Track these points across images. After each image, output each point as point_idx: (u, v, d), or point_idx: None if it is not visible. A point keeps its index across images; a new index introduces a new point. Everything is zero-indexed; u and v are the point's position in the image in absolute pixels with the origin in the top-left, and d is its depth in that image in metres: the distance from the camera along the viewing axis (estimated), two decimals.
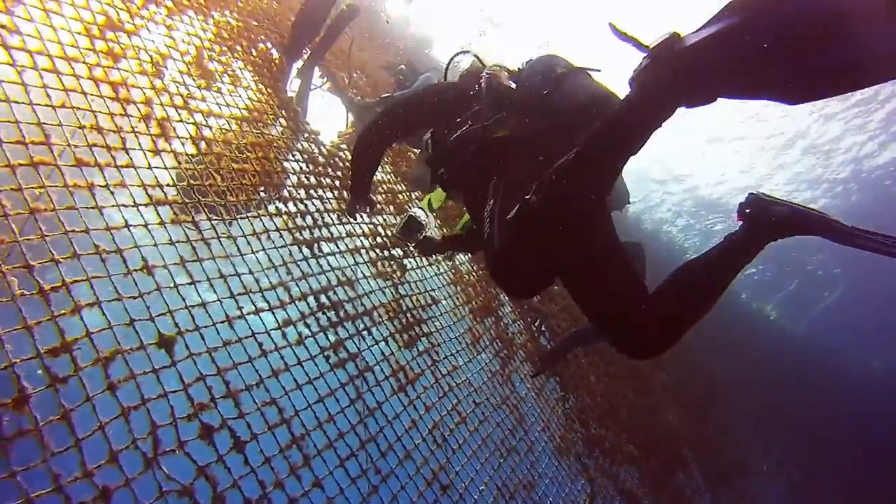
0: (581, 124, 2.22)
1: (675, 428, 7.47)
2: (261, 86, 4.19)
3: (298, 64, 4.93)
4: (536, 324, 5.65)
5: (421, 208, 3.32)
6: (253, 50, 4.36)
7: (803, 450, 13.08)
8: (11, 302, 2.07)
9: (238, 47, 4.24)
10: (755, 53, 1.68)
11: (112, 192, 2.63)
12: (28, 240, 2.26)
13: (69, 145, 2.55)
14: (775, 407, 12.64)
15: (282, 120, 4.22)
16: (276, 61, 4.51)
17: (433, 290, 4.60)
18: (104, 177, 2.63)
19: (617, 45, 1.92)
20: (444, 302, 4.64)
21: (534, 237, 2.19)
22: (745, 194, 2.40)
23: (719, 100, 1.86)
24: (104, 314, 2.34)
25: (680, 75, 1.80)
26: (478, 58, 3.10)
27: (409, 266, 4.51)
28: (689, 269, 2.33)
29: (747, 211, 2.33)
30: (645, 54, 1.87)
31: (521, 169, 2.40)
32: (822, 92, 1.80)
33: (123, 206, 2.67)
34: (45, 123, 2.50)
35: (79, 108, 2.69)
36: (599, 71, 2.60)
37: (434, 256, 4.76)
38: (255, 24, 4.61)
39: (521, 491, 4.27)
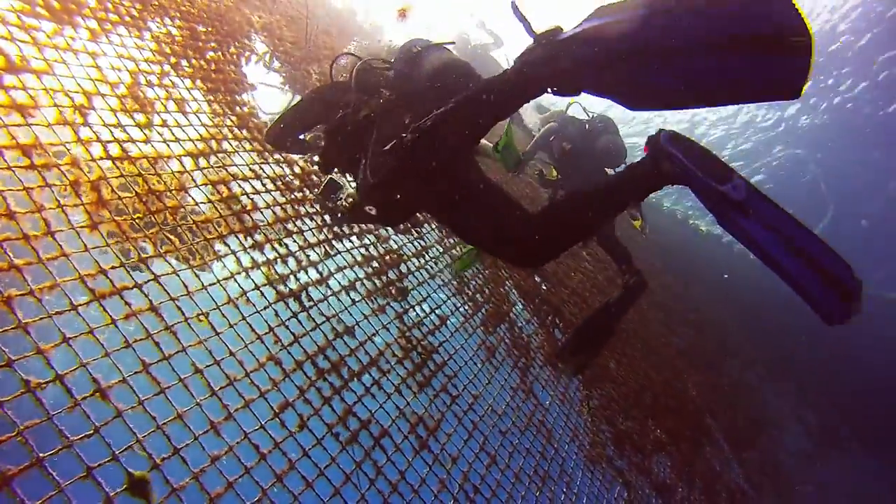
0: (438, 88, 2.65)
1: (696, 397, 7.08)
2: (215, 105, 3.50)
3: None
4: (550, 318, 5.11)
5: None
6: (201, 61, 3.64)
7: (817, 391, 12.84)
8: None
9: (184, 61, 3.52)
10: (596, 59, 2.02)
11: (39, 300, 2.00)
12: None
13: None
14: (782, 350, 12.34)
15: (244, 143, 3.53)
16: (231, 73, 3.79)
17: (439, 306, 4.03)
18: (26, 281, 1.99)
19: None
20: (452, 318, 4.07)
21: (405, 168, 2.47)
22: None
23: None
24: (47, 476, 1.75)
25: (547, 63, 2.13)
26: (353, 55, 3.34)
27: (409, 286, 3.92)
28: (573, 198, 2.53)
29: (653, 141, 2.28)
30: (532, 38, 2.21)
31: (385, 132, 2.62)
32: (648, 105, 2.19)
33: (57, 313, 2.03)
34: None
35: None
36: (453, 43, 3.05)
37: (428, 269, 4.21)
38: (203, 29, 3.88)
39: None
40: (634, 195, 2.43)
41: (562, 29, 2.16)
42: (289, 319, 2.85)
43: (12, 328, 1.89)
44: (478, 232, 2.72)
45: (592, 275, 6.54)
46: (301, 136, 3.48)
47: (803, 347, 11.95)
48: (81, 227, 2.26)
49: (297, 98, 3.72)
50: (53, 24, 2.83)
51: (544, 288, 5.40)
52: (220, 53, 3.85)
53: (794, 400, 12.14)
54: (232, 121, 3.53)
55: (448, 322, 4.00)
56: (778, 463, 9.52)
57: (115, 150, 2.60)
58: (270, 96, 3.87)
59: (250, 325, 2.63)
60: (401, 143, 2.42)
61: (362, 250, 3.75)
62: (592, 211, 2.45)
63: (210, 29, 3.95)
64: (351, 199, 3.08)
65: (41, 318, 1.98)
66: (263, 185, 3.36)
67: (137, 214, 2.48)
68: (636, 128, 22.28)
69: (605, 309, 4.05)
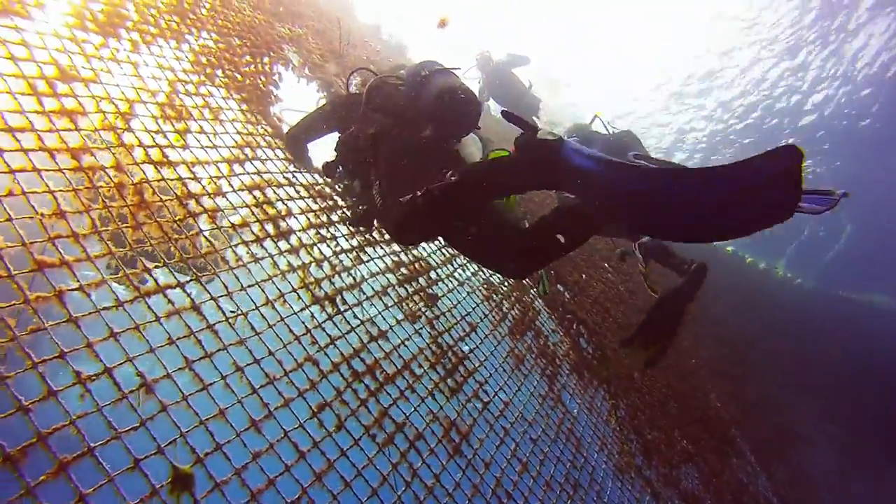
0: (437, 115, 2.84)
1: (721, 408, 6.98)
2: (249, 115, 3.54)
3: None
4: (574, 327, 5.07)
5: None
6: (236, 73, 3.69)
7: (844, 405, 12.56)
8: None
9: (218, 72, 3.57)
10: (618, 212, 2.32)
11: (88, 295, 2.01)
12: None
13: (24, 245, 1.92)
14: (808, 365, 12.11)
15: (278, 151, 3.56)
16: (262, 84, 3.84)
17: (468, 313, 4.01)
18: (75, 277, 2.01)
19: None
20: (481, 325, 4.04)
21: (418, 218, 2.70)
22: None
23: None
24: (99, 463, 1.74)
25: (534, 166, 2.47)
26: (371, 71, 3.42)
27: (439, 293, 3.91)
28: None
29: None
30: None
31: (389, 158, 2.92)
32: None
33: (104, 309, 2.05)
34: None
35: (32, 192, 2.05)
36: (459, 69, 3.22)
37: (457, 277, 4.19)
38: (238, 41, 3.93)
39: None
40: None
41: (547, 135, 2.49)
42: (324, 322, 2.85)
43: (64, 321, 1.90)
44: (474, 251, 3.00)
45: (613, 285, 6.50)
46: (309, 145, 3.71)
47: (829, 362, 11.72)
48: (126, 227, 2.28)
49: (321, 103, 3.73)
50: (100, 37, 2.89)
51: (567, 297, 5.36)
52: (254, 66, 3.89)
53: (820, 414, 11.90)
54: (266, 129, 3.56)
55: (477, 329, 3.98)
56: (806, 477, 9.32)
57: (155, 154, 2.62)
58: (300, 108, 3.89)
59: (288, 326, 2.63)
60: (413, 201, 2.62)
61: (392, 257, 3.74)
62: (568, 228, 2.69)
63: (244, 41, 4.00)
64: (363, 210, 3.30)
65: (89, 313, 1.99)
66: (297, 191, 3.38)
67: (178, 216, 2.50)
68: (649, 142, 22.32)
69: (674, 294, 3.87)
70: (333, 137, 3.43)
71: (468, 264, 4.44)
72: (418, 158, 2.88)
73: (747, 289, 12.69)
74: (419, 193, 2.59)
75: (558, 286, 5.34)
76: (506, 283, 4.72)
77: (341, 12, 7.85)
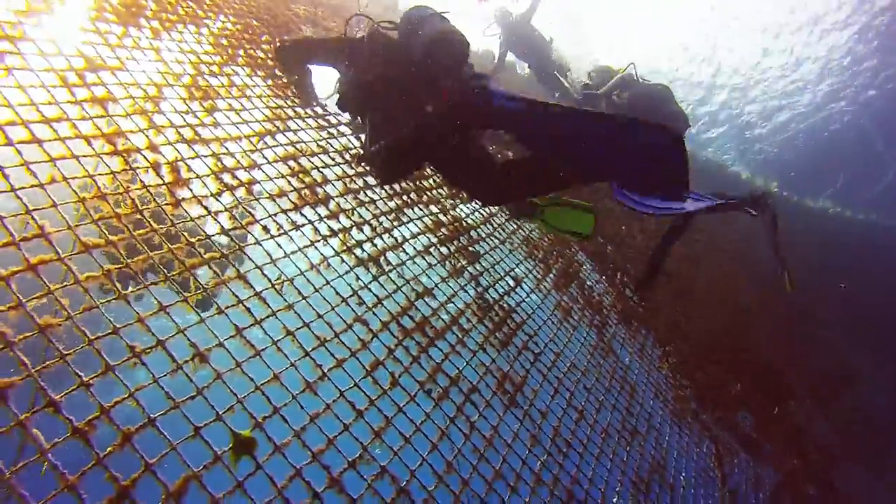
0: (430, 60, 3.10)
1: (771, 352, 6.78)
2: (276, 90, 3.50)
3: None
4: (618, 277, 4.96)
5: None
6: (259, 51, 3.66)
7: None
8: None
9: (240, 52, 3.54)
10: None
11: (136, 272, 2.01)
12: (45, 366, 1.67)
13: (70, 228, 1.93)
14: (861, 301, 11.60)
15: (309, 121, 3.53)
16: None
17: (511, 269, 3.95)
18: (123, 257, 2.00)
19: None
20: (526, 280, 3.97)
21: (396, 156, 3.13)
22: None
23: None
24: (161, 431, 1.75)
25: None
26: (369, 17, 3.60)
27: (481, 251, 3.85)
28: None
29: None
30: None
31: (386, 103, 3.21)
32: None
33: (153, 283, 2.05)
34: (35, 210, 1.88)
35: (73, 178, 2.05)
36: (448, 12, 3.30)
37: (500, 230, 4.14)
38: (256, 23, 3.90)
39: (654, 478, 3.65)
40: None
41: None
42: (370, 283, 2.82)
43: (114, 299, 1.91)
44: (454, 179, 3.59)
45: (655, 234, 6.33)
46: (308, 67, 3.84)
47: (883, 296, 11.16)
48: (167, 204, 2.27)
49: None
50: (121, 27, 2.88)
51: (609, 249, 5.25)
52: (273, 44, 3.86)
53: (877, 352, 11.42)
54: (294, 101, 3.53)
55: (522, 284, 3.91)
56: (866, 417, 9.03)
57: (188, 133, 2.61)
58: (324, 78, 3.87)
59: (335, 289, 2.61)
60: (378, 151, 3.15)
61: (432, 217, 3.69)
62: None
63: (261, 23, 3.96)
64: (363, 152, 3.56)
65: (139, 289, 2.00)
66: (332, 158, 3.35)
67: (215, 191, 2.49)
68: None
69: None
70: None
71: (507, 223, 4.36)
72: (409, 98, 3.18)
73: (794, 226, 12.22)
74: (390, 139, 3.08)
75: (599, 238, 5.23)
76: (545, 238, 4.62)
77: None
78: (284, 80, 3.67)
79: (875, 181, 19.64)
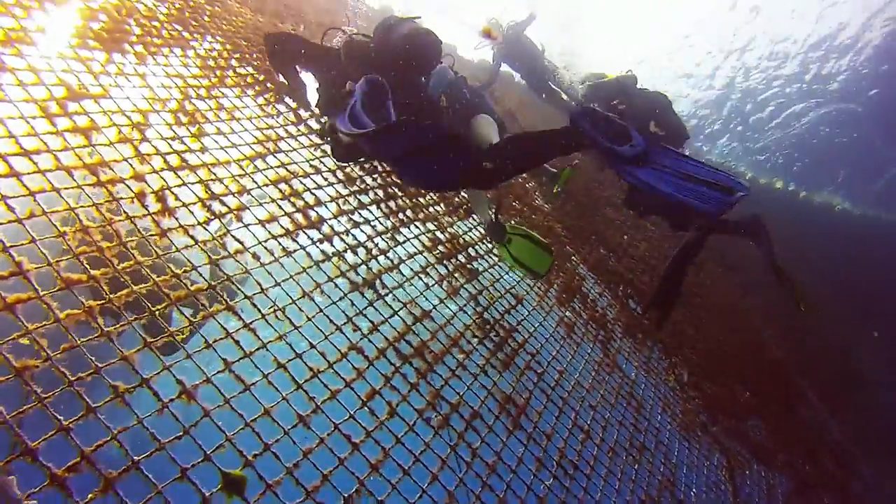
0: (405, 54, 3.18)
1: (780, 356, 6.66)
2: (266, 108, 3.44)
3: None
4: (621, 290, 4.87)
5: None
6: (249, 67, 3.60)
7: None
8: None
9: (229, 73, 3.48)
10: None
11: (119, 308, 1.93)
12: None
13: (49, 264, 1.85)
14: (872, 302, 11.41)
15: (302, 139, 3.46)
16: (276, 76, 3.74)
17: (512, 287, 3.86)
18: (107, 293, 1.93)
19: None
20: (527, 298, 3.89)
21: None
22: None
23: None
24: (146, 475, 1.67)
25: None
26: (343, 31, 3.79)
27: (480, 269, 3.77)
28: (517, 138, 2.86)
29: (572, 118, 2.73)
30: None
31: None
32: None
33: (136, 319, 1.97)
34: (11, 246, 1.80)
35: (52, 212, 1.98)
36: (420, 17, 3.38)
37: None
38: (245, 42, 3.83)
39: (664, 495, 3.55)
40: (557, 153, 2.89)
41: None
42: (366, 308, 2.74)
43: (97, 336, 1.83)
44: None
45: (658, 243, 6.25)
46: (298, 71, 3.87)
47: (890, 302, 10.97)
48: (151, 235, 2.20)
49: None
50: (105, 54, 2.82)
51: (612, 261, 5.16)
52: (263, 62, 3.79)
53: (889, 354, 11.24)
54: (286, 118, 3.46)
55: (523, 302, 3.82)
56: (879, 418, 8.87)
57: (174, 160, 2.54)
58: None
59: (328, 317, 2.53)
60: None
61: (428, 235, 3.61)
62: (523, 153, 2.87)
63: (249, 43, 3.91)
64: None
65: (123, 326, 1.92)
66: (325, 178, 3.28)
67: (203, 219, 2.41)
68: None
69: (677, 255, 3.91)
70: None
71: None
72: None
73: (801, 224, 12.04)
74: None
75: (601, 250, 5.14)
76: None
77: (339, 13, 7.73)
78: (275, 97, 3.61)
79: (877, 176, 19.47)
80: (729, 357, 5.44)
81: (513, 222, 3.84)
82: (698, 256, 4.03)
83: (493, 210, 3.70)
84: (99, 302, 1.90)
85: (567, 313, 4.09)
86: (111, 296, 1.92)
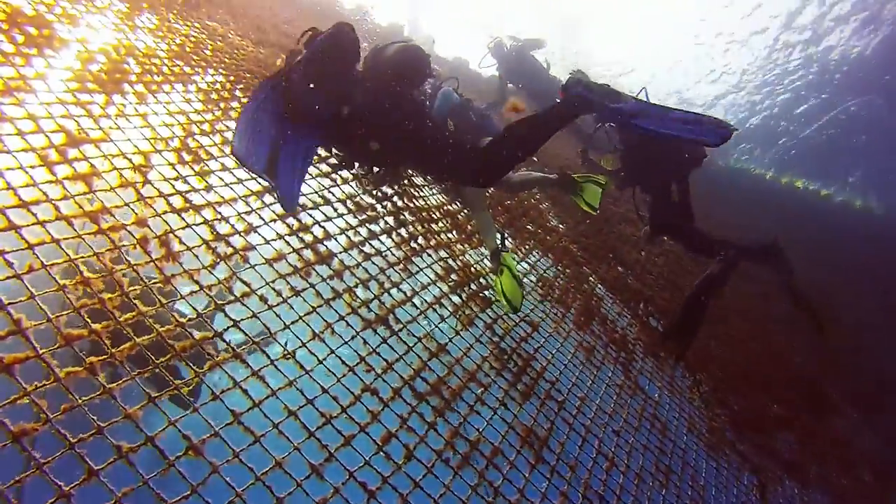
0: (399, 69, 3.28)
1: (807, 364, 6.48)
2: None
3: None
4: (641, 307, 4.74)
5: None
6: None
7: None
8: None
9: (234, 104, 3.43)
10: None
11: (120, 362, 1.86)
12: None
13: (49, 320, 1.78)
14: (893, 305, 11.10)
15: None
16: None
17: (527, 314, 3.75)
18: (105, 345, 1.85)
19: None
20: (543, 325, 3.78)
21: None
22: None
23: None
24: None
25: None
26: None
27: (493, 297, 3.67)
28: (514, 125, 3.18)
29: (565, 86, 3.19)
30: None
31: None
32: None
33: (140, 373, 1.89)
34: (9, 304, 1.74)
35: (52, 265, 1.91)
36: (412, 40, 3.60)
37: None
38: (249, 75, 3.79)
39: None
40: (557, 125, 3.18)
41: None
42: (379, 346, 2.64)
43: (98, 395, 1.75)
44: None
45: (676, 257, 6.12)
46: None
47: None
48: (155, 282, 2.13)
49: None
50: (104, 96, 2.77)
51: (630, 278, 5.04)
52: None
53: None
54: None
55: (540, 328, 3.72)
56: None
57: (178, 202, 2.48)
58: None
59: (340, 358, 2.44)
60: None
61: (442, 264, 3.52)
62: (524, 137, 3.18)
63: (253, 75, 3.86)
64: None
65: (124, 382, 1.84)
66: (335, 209, 3.20)
67: (208, 263, 2.34)
68: None
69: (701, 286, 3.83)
70: None
71: (519, 264, 4.18)
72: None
73: (820, 225, 11.78)
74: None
75: (618, 268, 5.03)
76: (562, 276, 4.42)
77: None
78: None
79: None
80: (754, 367, 5.29)
81: (513, 256, 3.79)
82: (723, 289, 3.97)
83: (500, 237, 3.65)
84: (101, 357, 1.82)
85: (586, 337, 3.98)
86: (113, 350, 1.85)
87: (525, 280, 3.98)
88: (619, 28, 22.54)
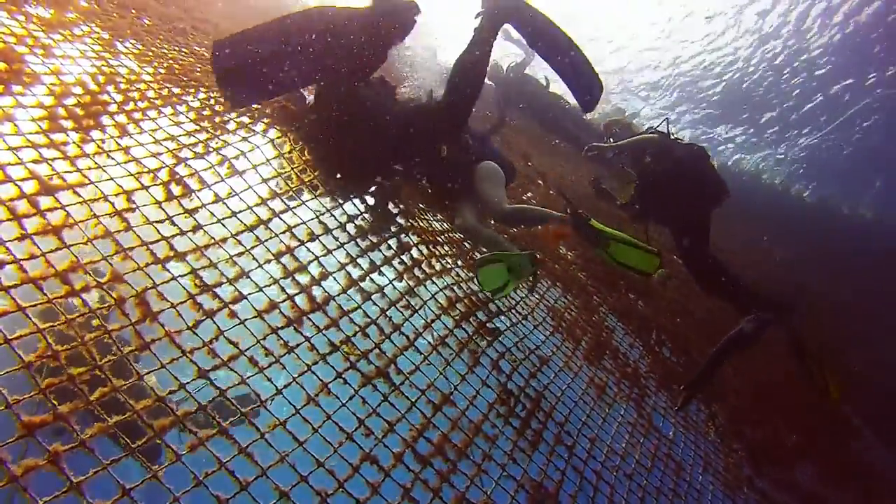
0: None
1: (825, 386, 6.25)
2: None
3: None
4: (654, 337, 4.54)
5: None
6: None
7: None
8: None
9: (232, 115, 3.23)
10: None
11: (116, 432, 1.66)
12: None
13: (8, 406, 1.59)
14: None
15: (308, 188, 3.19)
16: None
17: (537, 347, 3.55)
18: (76, 432, 1.66)
19: None
20: (553, 358, 3.58)
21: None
22: None
23: None
24: None
25: None
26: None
27: (502, 328, 3.47)
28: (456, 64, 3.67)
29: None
30: None
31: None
32: None
33: (126, 455, 1.70)
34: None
35: (15, 338, 1.71)
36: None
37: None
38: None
39: None
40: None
41: None
42: (379, 406, 2.44)
43: (63, 493, 1.56)
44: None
45: (686, 278, 5.89)
46: None
47: None
48: (131, 350, 1.93)
49: None
50: (80, 133, 2.53)
51: (640, 305, 4.82)
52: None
53: None
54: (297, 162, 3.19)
55: (549, 363, 3.52)
56: None
57: (162, 249, 2.27)
58: None
59: (337, 424, 2.24)
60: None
61: (447, 292, 3.30)
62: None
63: None
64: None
65: (97, 471, 1.65)
66: (335, 237, 2.99)
67: (192, 321, 2.14)
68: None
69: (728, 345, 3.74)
70: None
71: (528, 297, 3.94)
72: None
73: (835, 239, 11.49)
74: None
75: (629, 295, 4.82)
76: (573, 307, 4.20)
77: None
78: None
79: None
80: (770, 393, 5.10)
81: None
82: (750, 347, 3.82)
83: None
84: (68, 446, 1.63)
85: (598, 373, 3.78)
86: (81, 436, 1.65)
87: (535, 313, 3.78)
88: (619, 28, 22.11)
